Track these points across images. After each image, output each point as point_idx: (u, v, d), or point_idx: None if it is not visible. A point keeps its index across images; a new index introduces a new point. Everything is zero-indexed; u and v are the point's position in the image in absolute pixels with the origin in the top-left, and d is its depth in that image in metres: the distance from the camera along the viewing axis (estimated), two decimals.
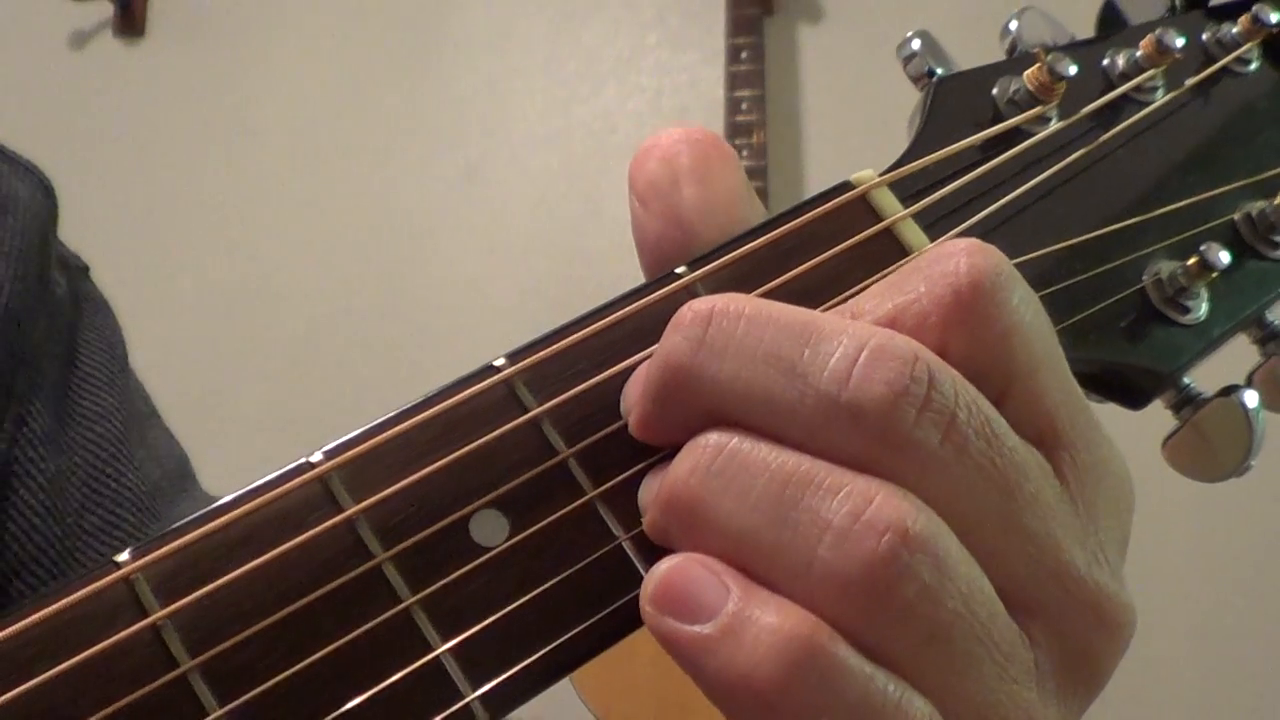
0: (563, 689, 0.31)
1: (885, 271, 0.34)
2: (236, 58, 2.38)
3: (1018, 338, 0.30)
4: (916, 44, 0.39)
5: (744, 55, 2.08)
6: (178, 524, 0.29)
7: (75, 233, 0.59)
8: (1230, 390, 0.38)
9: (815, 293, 0.34)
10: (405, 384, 2.11)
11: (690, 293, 0.33)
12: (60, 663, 0.27)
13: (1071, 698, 0.30)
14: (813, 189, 0.36)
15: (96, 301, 0.59)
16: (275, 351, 2.22)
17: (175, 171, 2.32)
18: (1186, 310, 0.37)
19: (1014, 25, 0.40)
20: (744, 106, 2.04)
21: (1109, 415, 0.35)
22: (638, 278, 0.34)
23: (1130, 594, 0.31)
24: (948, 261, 0.30)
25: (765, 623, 0.27)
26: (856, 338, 0.29)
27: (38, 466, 0.51)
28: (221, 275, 2.27)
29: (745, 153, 2.01)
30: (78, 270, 0.59)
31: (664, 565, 0.29)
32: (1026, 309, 0.30)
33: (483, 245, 2.23)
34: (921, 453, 0.28)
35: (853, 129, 2.13)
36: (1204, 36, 0.41)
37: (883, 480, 0.28)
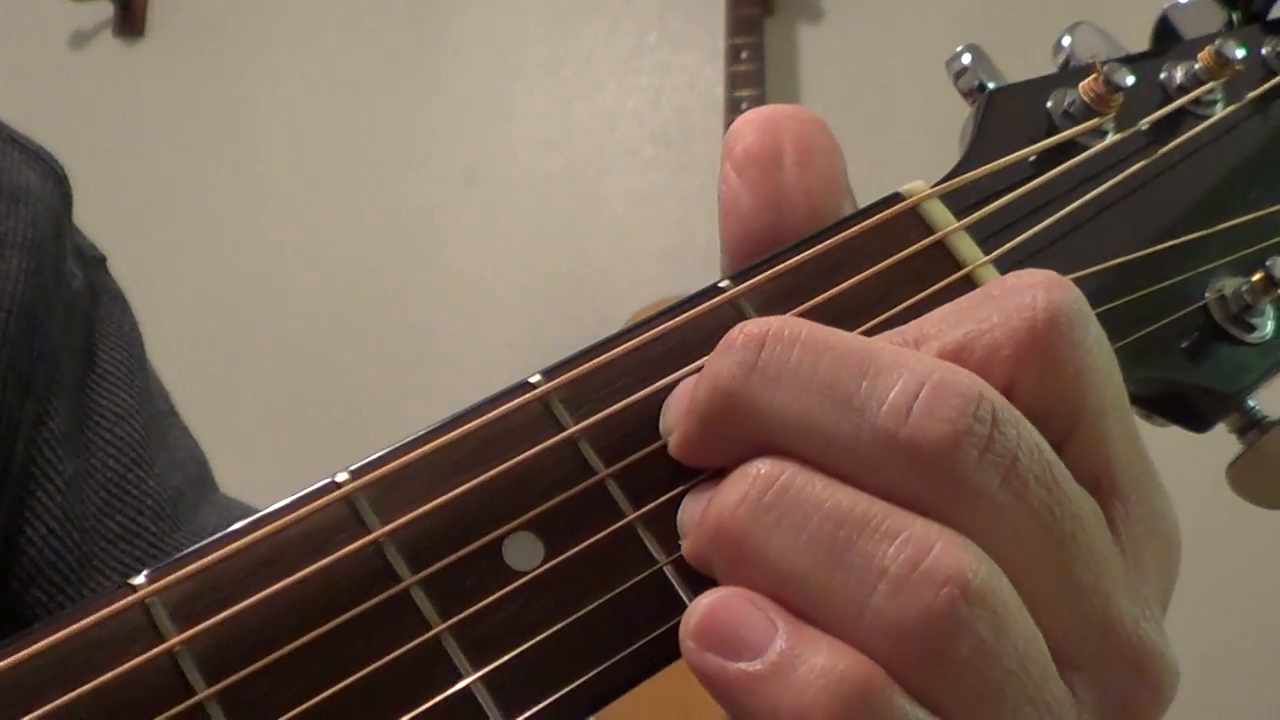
0: None
1: (935, 287, 0.33)
2: (236, 58, 2.37)
3: (1089, 380, 0.29)
4: (967, 58, 0.39)
5: (744, 55, 2.07)
6: (196, 545, 0.28)
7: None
8: None
9: (865, 308, 0.33)
10: (405, 383, 2.11)
11: (734, 307, 0.32)
12: (72, 689, 0.26)
13: None
14: None
15: (113, 294, 0.58)
16: (274, 352, 2.21)
17: (175, 172, 2.31)
18: (1251, 328, 0.37)
19: (1067, 40, 0.39)
20: (744, 106, 2.04)
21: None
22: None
23: (1174, 651, 0.30)
24: (1024, 294, 0.29)
25: (816, 663, 0.26)
26: (918, 371, 0.27)
27: (56, 469, 0.49)
28: (220, 275, 2.26)
29: None
30: (94, 261, 0.57)
31: (707, 599, 0.28)
32: (1100, 350, 0.29)
33: (483, 245, 2.22)
34: (980, 496, 0.27)
35: (853, 129, 2.12)
36: (1263, 50, 0.41)
37: (942, 525, 0.27)
